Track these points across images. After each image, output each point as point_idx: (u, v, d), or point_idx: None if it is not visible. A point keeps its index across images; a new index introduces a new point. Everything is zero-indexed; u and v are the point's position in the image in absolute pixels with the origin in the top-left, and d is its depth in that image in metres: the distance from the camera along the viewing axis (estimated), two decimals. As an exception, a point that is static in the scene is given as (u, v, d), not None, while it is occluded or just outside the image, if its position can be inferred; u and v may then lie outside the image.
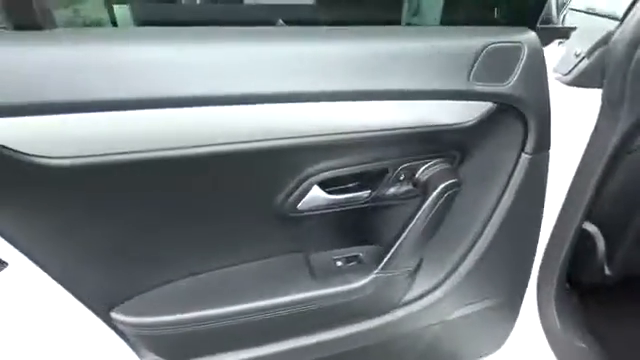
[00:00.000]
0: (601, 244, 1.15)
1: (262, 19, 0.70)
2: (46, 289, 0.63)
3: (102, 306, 0.68)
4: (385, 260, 0.74)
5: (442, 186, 0.69)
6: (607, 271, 1.13)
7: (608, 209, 1.11)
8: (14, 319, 0.63)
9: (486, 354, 1.06)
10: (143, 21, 0.61)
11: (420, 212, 0.70)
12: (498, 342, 1.04)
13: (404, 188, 0.75)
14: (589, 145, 0.90)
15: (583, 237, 1.17)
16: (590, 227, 1.16)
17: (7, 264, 0.58)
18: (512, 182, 0.74)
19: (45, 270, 0.61)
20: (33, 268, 0.61)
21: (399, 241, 0.73)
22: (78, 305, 0.65)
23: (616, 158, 0.93)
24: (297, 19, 0.65)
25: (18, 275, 0.60)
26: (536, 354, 1.03)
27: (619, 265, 1.14)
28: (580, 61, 0.88)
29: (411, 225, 0.71)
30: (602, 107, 0.85)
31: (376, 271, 0.74)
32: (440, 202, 0.70)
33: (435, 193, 0.69)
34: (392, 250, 0.73)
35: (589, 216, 1.07)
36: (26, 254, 0.59)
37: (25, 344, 0.65)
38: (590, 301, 1.08)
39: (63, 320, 0.67)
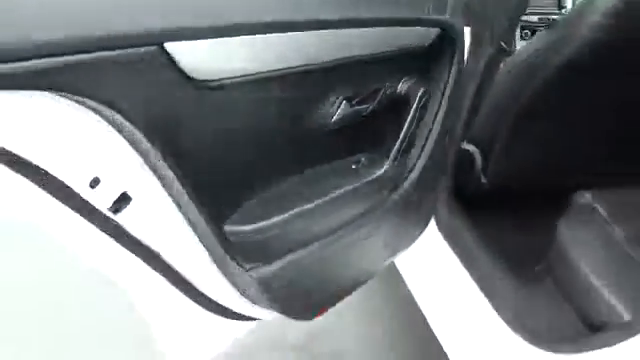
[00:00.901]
0: (479, 159, 1.43)
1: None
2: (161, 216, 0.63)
3: (212, 218, 0.72)
4: (392, 155, 0.96)
5: (419, 94, 0.89)
6: (483, 180, 1.42)
7: (480, 130, 1.39)
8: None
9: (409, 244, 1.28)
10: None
11: (409, 117, 0.91)
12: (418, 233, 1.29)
13: (390, 102, 0.92)
14: (463, 75, 1.12)
15: (465, 155, 1.45)
16: (469, 147, 1.44)
17: (132, 199, 0.56)
18: (446, 92, 0.96)
19: (170, 191, 0.61)
20: (156, 200, 0.60)
21: (399, 141, 0.95)
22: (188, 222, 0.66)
23: (482, 85, 1.17)
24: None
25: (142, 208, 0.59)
26: (432, 242, 1.33)
27: (492, 175, 1.44)
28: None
29: (404, 129, 0.93)
30: (471, 41, 1.08)
31: (387, 162, 0.97)
32: (419, 107, 0.91)
33: (416, 100, 0.90)
34: (396, 146, 0.95)
35: (468, 137, 1.33)
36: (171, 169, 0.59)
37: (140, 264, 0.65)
38: (472, 205, 1.37)
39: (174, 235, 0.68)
